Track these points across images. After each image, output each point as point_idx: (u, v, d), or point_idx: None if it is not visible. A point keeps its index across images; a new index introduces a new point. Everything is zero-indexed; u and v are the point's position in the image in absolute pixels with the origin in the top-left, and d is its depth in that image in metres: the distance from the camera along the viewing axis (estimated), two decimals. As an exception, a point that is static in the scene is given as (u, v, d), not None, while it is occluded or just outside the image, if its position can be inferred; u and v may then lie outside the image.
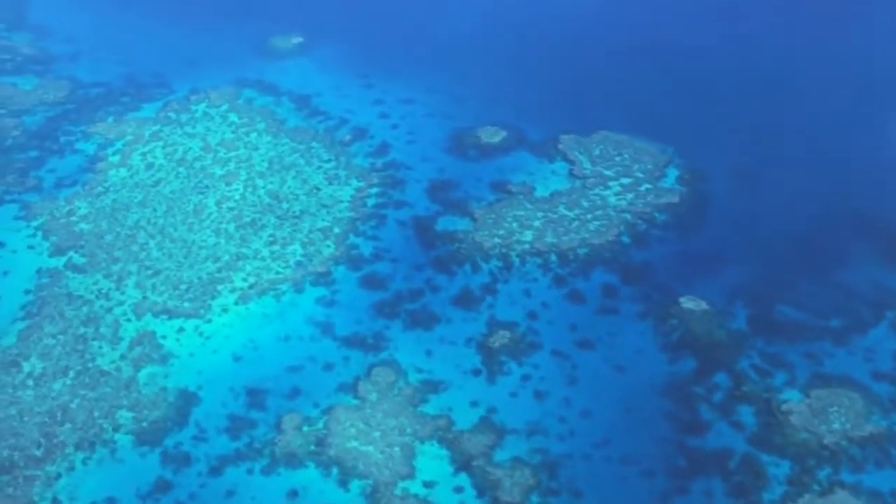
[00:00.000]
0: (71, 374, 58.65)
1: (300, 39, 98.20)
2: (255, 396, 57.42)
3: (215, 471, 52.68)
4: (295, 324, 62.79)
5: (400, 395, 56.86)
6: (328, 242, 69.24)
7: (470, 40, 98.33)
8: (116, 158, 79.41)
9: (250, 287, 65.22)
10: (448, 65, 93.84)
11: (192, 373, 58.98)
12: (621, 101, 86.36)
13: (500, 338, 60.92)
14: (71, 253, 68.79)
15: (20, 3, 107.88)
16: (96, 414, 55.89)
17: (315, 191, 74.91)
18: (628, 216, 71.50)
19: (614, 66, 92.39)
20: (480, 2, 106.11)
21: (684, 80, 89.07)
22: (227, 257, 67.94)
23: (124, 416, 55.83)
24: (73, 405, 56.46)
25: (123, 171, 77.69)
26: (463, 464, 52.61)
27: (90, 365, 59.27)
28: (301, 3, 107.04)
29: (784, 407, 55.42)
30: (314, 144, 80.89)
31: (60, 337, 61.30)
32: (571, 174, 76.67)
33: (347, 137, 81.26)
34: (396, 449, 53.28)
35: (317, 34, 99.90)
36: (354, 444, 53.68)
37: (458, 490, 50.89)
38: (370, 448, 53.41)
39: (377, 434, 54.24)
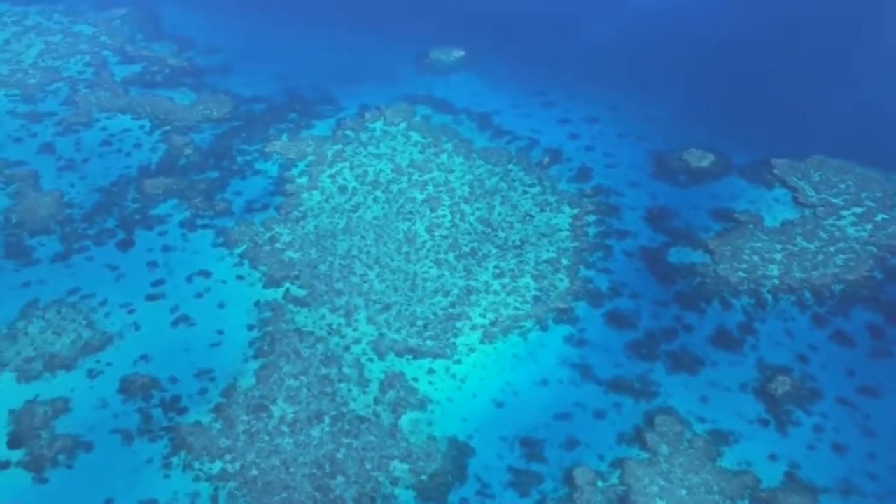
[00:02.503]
0: (326, 419, 55.62)
1: (461, 53, 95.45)
2: (530, 447, 54.43)
3: (513, 531, 49.46)
4: (549, 365, 59.82)
5: (692, 447, 53.76)
6: (560, 276, 66.24)
7: (644, 55, 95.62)
8: (304, 180, 76.52)
9: (492, 324, 62.27)
10: (626, 82, 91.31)
11: (457, 420, 55.96)
12: (828, 122, 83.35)
13: (781, 384, 57.71)
14: (287, 284, 65.91)
15: (155, 13, 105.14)
16: (368, 466, 52.85)
17: (528, 218, 72.01)
18: (874, 249, 68.53)
19: (817, 84, 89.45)
20: (653, 14, 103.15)
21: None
22: (456, 291, 64.98)
23: (399, 468, 52.79)
24: (339, 455, 53.45)
25: (316, 195, 74.82)
26: (787, 527, 49.30)
27: (344, 409, 56.25)
28: (454, 13, 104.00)
29: None
30: (511, 167, 78.00)
31: (303, 378, 58.30)
32: (796, 202, 73.61)
33: (546, 160, 78.39)
34: (709, 509, 50.04)
35: (477, 47, 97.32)
36: (661, 503, 50.41)
37: (788, 556, 47.86)
38: (679, 508, 50.17)
39: (683, 492, 51.20)
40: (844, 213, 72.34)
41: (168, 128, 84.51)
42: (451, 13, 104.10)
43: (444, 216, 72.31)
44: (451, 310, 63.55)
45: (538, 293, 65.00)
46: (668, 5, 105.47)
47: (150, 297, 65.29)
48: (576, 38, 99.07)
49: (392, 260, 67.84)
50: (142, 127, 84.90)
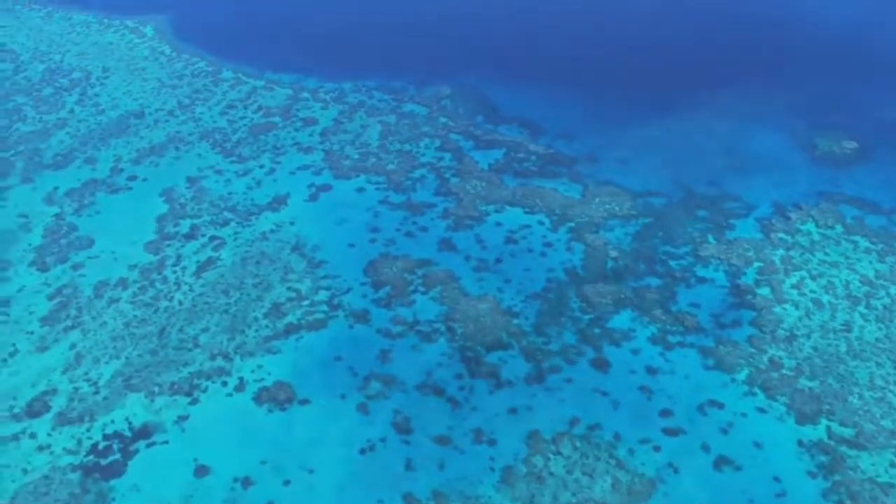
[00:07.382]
0: None
1: (854, 144, 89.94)
2: None
3: None
4: None
5: None
6: None
7: None
8: (766, 291, 70.80)
9: None
10: None
11: None
12: None
13: None
14: (823, 420, 59.42)
15: (481, 93, 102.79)
16: None
17: None
18: None
19: None
20: None
21: None
22: None
23: None
24: None
25: (791, 309, 69.03)
26: None
27: None
28: (822, 96, 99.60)
29: None
30: None
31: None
32: None
33: None
34: None
35: (864, 135, 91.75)
36: None
37: None
38: None
39: None
40: None
41: (572, 224, 79.87)
42: (819, 96, 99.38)
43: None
44: None
45: None
46: None
47: (668, 432, 59.89)
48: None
49: (929, 394, 61.25)
50: (541, 223, 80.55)
